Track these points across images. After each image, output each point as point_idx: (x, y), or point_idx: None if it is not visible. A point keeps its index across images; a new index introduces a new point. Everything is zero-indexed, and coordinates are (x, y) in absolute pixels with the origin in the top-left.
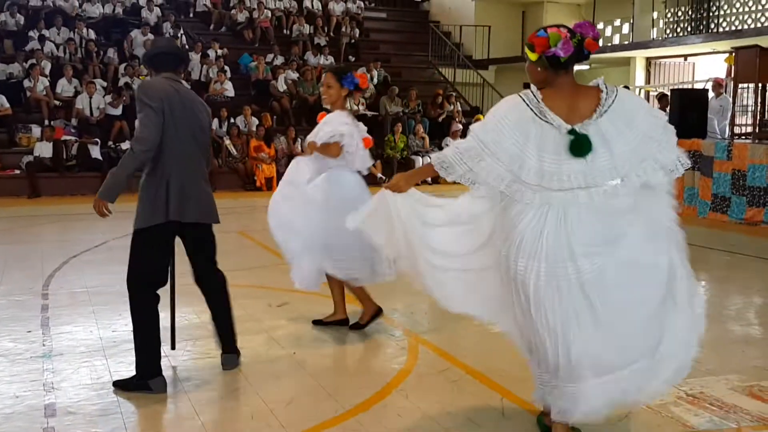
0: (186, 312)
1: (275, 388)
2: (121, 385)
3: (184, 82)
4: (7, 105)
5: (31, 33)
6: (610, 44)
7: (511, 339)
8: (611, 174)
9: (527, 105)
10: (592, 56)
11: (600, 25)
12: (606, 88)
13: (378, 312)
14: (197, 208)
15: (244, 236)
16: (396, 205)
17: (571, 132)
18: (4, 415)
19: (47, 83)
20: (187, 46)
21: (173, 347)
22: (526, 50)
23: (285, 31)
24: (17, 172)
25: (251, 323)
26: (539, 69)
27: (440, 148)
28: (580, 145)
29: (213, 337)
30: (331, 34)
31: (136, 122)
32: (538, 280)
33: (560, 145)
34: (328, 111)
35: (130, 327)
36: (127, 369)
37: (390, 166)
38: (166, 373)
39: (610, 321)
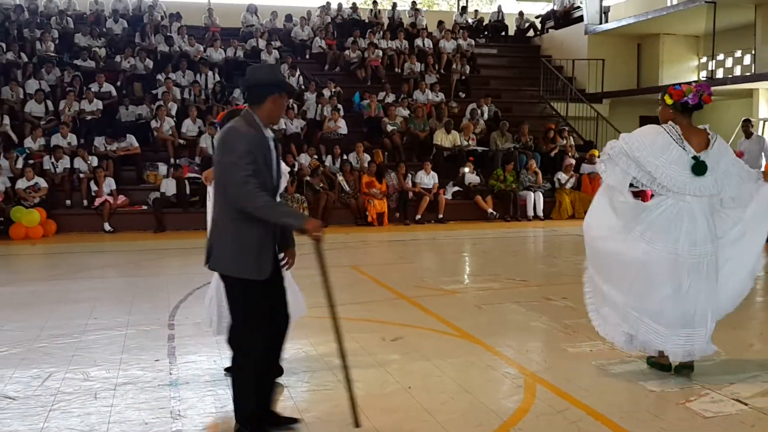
0: (303, 344)
1: (391, 422)
2: None
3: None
4: (136, 144)
5: (159, 76)
6: (730, 76)
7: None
8: (711, 189)
9: (667, 133)
10: (713, 89)
11: (720, 57)
12: (710, 132)
13: None
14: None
15: (357, 270)
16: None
17: (695, 158)
18: None
19: (173, 124)
20: (303, 87)
21: None
22: (665, 96)
23: (396, 69)
24: (144, 207)
25: (365, 357)
26: (671, 111)
27: (552, 183)
28: (700, 167)
29: (329, 370)
30: (442, 71)
31: None
32: (675, 255)
33: (686, 165)
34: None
35: None
36: None
37: (501, 200)
38: (286, 403)
39: (716, 286)
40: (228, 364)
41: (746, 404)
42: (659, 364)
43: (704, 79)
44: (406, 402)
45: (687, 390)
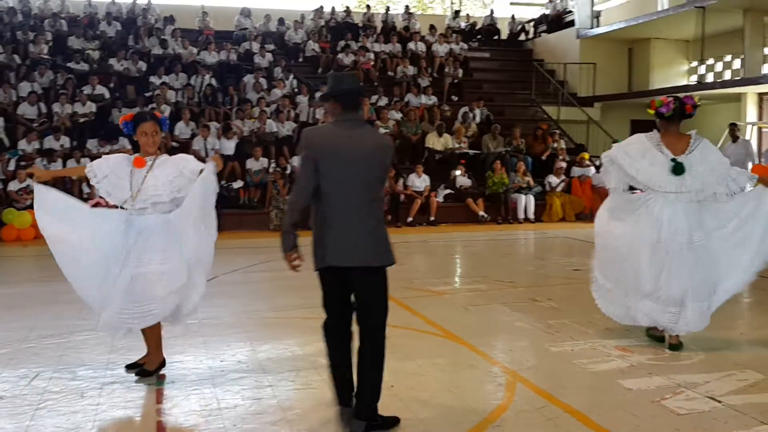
0: (289, 344)
1: None
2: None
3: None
4: (129, 146)
5: (152, 79)
6: (719, 80)
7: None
8: (691, 187)
9: (649, 140)
10: (703, 93)
11: (710, 61)
12: (695, 137)
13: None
14: (347, 251)
15: None
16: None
17: (673, 160)
18: None
19: None
20: (296, 90)
21: None
22: (648, 108)
23: (389, 72)
24: None
25: None
26: (658, 120)
27: (543, 186)
28: (677, 168)
29: (314, 369)
30: (435, 74)
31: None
32: (657, 243)
33: (665, 167)
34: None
35: (238, 357)
36: (234, 397)
37: (492, 203)
38: (270, 401)
39: (696, 270)
40: (128, 362)
41: (720, 402)
42: (654, 336)
43: (694, 83)
44: (388, 400)
45: (663, 388)
